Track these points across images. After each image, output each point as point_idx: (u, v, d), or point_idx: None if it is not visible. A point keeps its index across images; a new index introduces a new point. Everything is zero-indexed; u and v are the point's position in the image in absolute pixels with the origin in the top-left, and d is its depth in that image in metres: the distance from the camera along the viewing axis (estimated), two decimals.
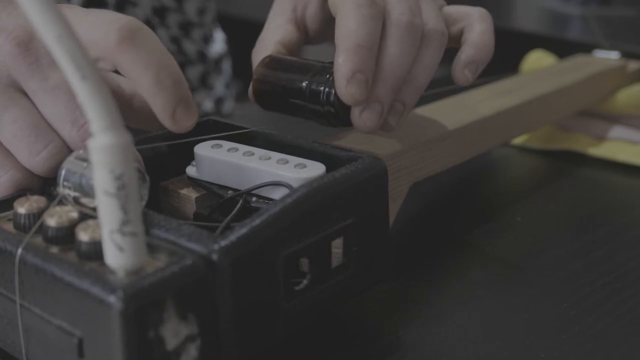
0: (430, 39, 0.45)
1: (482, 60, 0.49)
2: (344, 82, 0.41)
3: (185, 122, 0.37)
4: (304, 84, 0.44)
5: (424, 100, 0.50)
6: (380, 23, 0.43)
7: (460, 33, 0.51)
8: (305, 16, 0.52)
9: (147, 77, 0.36)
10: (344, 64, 0.41)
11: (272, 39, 0.50)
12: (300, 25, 0.52)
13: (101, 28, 0.38)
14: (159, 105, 0.37)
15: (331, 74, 0.43)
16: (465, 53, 0.49)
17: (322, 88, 0.43)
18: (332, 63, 0.43)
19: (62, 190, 0.36)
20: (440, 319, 0.43)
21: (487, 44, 0.50)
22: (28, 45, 0.39)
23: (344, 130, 0.49)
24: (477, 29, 0.50)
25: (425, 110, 0.54)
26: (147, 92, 0.37)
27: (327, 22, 0.51)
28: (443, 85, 0.54)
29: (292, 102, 0.45)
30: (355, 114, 0.43)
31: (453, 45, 0.50)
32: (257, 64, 0.47)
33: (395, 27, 0.43)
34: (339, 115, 0.44)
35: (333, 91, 0.43)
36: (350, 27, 0.42)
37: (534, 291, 0.46)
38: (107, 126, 0.29)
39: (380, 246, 0.41)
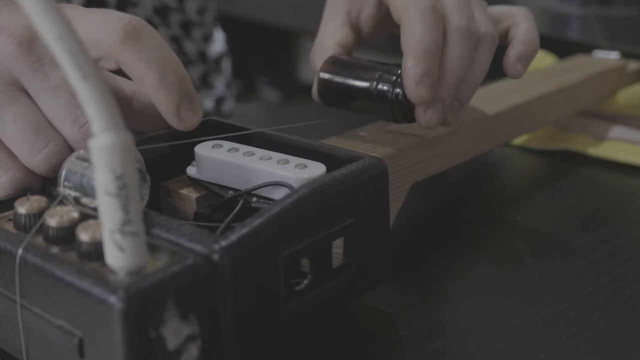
0: (484, 41, 0.48)
1: (531, 55, 0.53)
2: (414, 84, 0.44)
3: (190, 119, 0.38)
4: (371, 83, 0.47)
5: None
6: (442, 28, 0.46)
7: (506, 31, 0.54)
8: (360, 19, 0.54)
9: (152, 74, 0.37)
10: (412, 67, 0.44)
11: (330, 41, 0.53)
12: (355, 27, 0.54)
13: (106, 26, 0.38)
14: (164, 102, 0.38)
15: (397, 75, 0.46)
16: (515, 49, 0.52)
17: (390, 88, 0.46)
18: (394, 65, 0.47)
19: (63, 190, 0.36)
20: (440, 319, 0.43)
21: (534, 39, 0.54)
22: (30, 44, 0.39)
23: (344, 130, 0.49)
24: (523, 26, 0.54)
25: None
26: (151, 89, 0.38)
27: (379, 24, 0.54)
28: None
29: (358, 99, 0.48)
30: (420, 113, 0.46)
31: (500, 43, 0.52)
32: (322, 64, 0.49)
33: (455, 32, 0.46)
34: (404, 113, 0.47)
35: (401, 91, 0.46)
36: (416, 33, 0.45)
37: (534, 291, 0.46)
38: (108, 126, 0.29)
39: (381, 246, 0.41)
